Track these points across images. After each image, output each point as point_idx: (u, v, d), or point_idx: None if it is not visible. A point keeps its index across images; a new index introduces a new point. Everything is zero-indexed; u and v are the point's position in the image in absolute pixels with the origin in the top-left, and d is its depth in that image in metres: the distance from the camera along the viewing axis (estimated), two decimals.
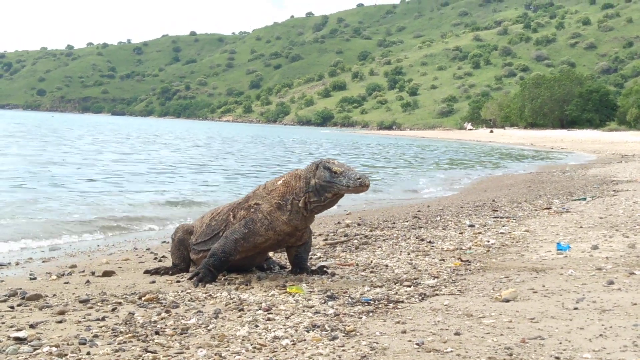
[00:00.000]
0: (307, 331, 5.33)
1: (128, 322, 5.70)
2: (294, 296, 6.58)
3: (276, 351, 4.86)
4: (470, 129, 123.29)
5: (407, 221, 12.56)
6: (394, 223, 12.33)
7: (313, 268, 7.92)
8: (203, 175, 25.21)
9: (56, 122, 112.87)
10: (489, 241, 9.81)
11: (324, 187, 7.17)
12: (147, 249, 10.19)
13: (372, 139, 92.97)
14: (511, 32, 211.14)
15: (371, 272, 7.87)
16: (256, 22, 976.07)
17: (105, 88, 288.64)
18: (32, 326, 5.57)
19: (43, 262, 9.22)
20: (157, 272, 8.07)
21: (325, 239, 10.49)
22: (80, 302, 6.46)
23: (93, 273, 8.04)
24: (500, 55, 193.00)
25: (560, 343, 4.92)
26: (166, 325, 5.58)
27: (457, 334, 5.19)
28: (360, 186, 6.97)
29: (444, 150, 58.13)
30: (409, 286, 6.96)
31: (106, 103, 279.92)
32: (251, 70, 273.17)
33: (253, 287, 7.13)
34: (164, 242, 10.78)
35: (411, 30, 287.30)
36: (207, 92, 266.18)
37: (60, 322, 5.76)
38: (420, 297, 6.48)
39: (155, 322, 5.71)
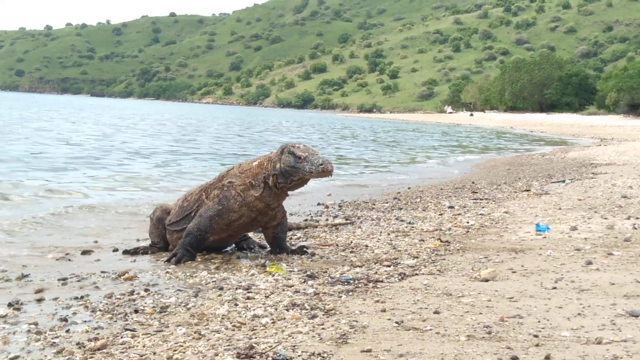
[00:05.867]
0: (287, 310, 5.33)
1: (107, 301, 5.69)
2: (273, 275, 6.58)
3: (256, 329, 4.86)
4: (451, 112, 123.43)
5: (387, 202, 12.58)
6: (374, 204, 12.35)
7: (293, 248, 7.94)
8: None
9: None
10: (468, 222, 9.84)
11: (289, 171, 7.24)
12: None
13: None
14: (491, 16, 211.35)
15: (351, 252, 7.89)
16: (236, 3, 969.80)
17: (84, 69, 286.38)
18: (10, 304, 5.55)
19: None
20: (136, 251, 8.06)
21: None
22: (60, 280, 6.45)
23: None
24: (480, 39, 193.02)
25: (539, 322, 4.94)
26: (145, 304, 5.58)
27: (436, 312, 5.21)
28: (323, 172, 7.03)
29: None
30: (389, 266, 6.97)
31: (85, 84, 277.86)
32: (231, 52, 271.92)
33: (233, 267, 7.14)
34: None
35: (392, 12, 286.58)
36: (187, 74, 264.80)
37: (39, 300, 5.76)
38: (399, 277, 6.49)
39: (134, 300, 5.71)
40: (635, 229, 8.85)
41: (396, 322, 4.94)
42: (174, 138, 35.76)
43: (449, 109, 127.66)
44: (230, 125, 57.54)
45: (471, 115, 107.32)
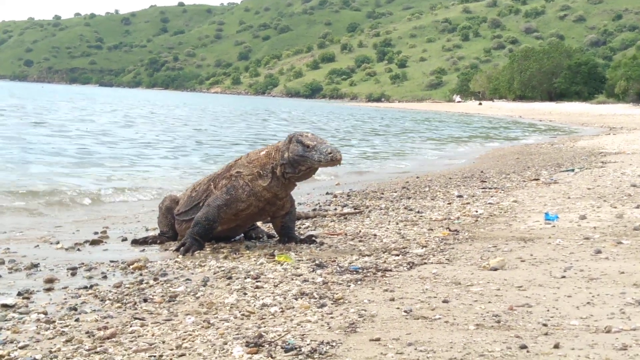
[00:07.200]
0: (296, 299, 5.33)
1: (116, 290, 5.70)
2: (282, 265, 6.58)
3: (264, 318, 4.86)
4: (459, 102, 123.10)
5: (395, 192, 12.57)
6: (383, 193, 12.33)
7: (302, 237, 7.93)
8: None
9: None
10: (477, 211, 9.82)
11: (297, 160, 7.20)
12: None
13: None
14: (500, 4, 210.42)
15: (360, 241, 7.88)
16: None
17: (92, 59, 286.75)
18: (20, 293, 5.56)
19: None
20: (145, 241, 8.07)
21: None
22: (69, 269, 6.47)
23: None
24: (489, 28, 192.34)
25: (548, 310, 4.93)
26: (154, 293, 5.59)
27: (445, 301, 5.20)
28: (332, 161, 6.99)
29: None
30: (398, 255, 6.96)
31: (94, 74, 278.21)
32: (240, 42, 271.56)
33: (242, 256, 7.13)
34: None
35: (400, 1, 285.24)
36: (196, 64, 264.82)
37: (49, 289, 5.77)
38: (408, 266, 6.49)
39: (143, 289, 5.72)
40: None
41: (405, 311, 4.94)
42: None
43: (458, 98, 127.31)
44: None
45: (480, 104, 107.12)
